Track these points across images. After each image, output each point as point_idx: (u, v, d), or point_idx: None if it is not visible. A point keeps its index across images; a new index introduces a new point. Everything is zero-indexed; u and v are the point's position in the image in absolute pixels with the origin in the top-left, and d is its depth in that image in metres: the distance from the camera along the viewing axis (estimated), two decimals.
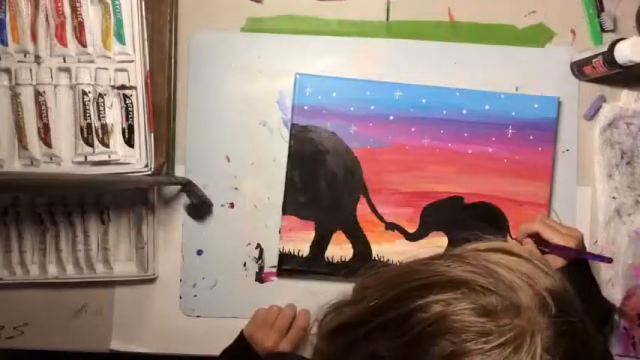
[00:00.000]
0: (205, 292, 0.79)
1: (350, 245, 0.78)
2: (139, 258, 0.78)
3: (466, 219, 0.78)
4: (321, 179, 0.78)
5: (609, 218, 0.81)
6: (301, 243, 0.78)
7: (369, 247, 0.78)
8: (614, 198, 0.81)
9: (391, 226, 0.79)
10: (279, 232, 0.79)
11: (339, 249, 0.78)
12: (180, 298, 0.79)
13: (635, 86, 0.82)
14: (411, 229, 0.79)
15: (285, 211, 0.78)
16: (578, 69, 0.81)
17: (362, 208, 0.79)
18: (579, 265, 0.70)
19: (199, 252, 0.80)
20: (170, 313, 0.79)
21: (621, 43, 0.73)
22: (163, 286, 0.79)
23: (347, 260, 0.78)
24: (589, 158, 0.82)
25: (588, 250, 0.81)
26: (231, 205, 0.80)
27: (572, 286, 0.52)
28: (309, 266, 0.78)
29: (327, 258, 0.78)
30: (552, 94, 0.81)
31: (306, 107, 0.78)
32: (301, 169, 0.78)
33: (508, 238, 0.78)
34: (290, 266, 0.78)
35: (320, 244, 0.78)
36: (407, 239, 0.78)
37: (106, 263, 0.77)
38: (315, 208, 0.78)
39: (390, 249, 0.78)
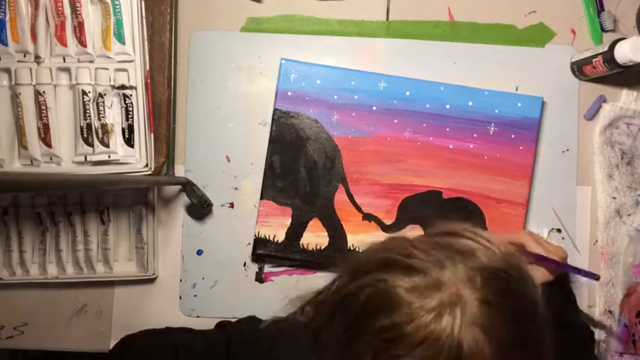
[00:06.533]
0: (205, 292, 0.79)
1: (326, 233, 0.78)
2: (139, 258, 0.78)
3: (443, 214, 0.78)
4: (301, 166, 0.78)
5: (609, 218, 0.81)
6: (277, 228, 0.78)
7: (345, 236, 0.78)
8: (614, 198, 0.81)
9: (368, 217, 0.78)
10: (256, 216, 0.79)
11: (315, 237, 0.78)
12: (180, 298, 0.79)
13: (635, 86, 0.82)
14: (388, 221, 0.78)
15: (262, 195, 0.78)
16: (578, 69, 0.81)
17: (340, 197, 0.78)
18: (557, 286, 0.69)
19: (199, 252, 0.80)
20: (170, 313, 0.79)
21: (621, 43, 0.73)
22: (163, 286, 0.79)
23: (322, 248, 0.78)
24: (589, 158, 0.82)
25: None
26: (231, 205, 0.80)
27: (547, 305, 0.56)
28: (283, 252, 0.78)
29: (303, 245, 0.78)
30: (552, 94, 0.81)
31: (289, 93, 0.78)
32: (281, 154, 0.78)
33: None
34: (264, 251, 0.78)
35: (296, 230, 0.78)
36: (383, 231, 0.78)
37: (106, 263, 0.77)
38: (292, 195, 0.78)
39: (366, 239, 0.77)
